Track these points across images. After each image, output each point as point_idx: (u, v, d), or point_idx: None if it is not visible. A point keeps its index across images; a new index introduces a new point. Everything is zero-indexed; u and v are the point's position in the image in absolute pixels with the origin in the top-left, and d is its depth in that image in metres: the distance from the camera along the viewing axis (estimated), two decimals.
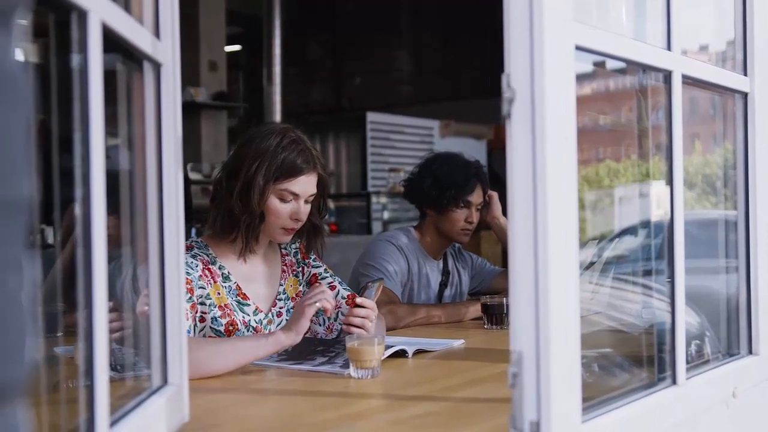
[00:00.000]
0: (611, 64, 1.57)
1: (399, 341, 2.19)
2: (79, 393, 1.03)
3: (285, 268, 2.37)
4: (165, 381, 1.36)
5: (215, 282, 2.18)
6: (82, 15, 0.98)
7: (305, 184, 2.20)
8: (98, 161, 1.00)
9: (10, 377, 0.58)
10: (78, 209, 0.99)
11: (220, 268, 2.22)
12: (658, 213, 2.02)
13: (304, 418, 1.56)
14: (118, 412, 1.14)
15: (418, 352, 2.18)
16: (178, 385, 1.38)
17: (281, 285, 2.34)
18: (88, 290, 1.00)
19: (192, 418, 1.42)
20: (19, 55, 0.61)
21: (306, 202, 2.22)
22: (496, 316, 2.65)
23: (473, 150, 6.94)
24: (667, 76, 1.53)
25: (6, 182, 0.56)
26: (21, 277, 0.58)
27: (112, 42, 1.09)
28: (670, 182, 1.54)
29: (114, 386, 1.07)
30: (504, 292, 2.99)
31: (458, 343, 2.35)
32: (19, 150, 0.57)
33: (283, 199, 2.19)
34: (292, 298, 2.34)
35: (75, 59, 1.00)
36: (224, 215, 2.20)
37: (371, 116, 8.30)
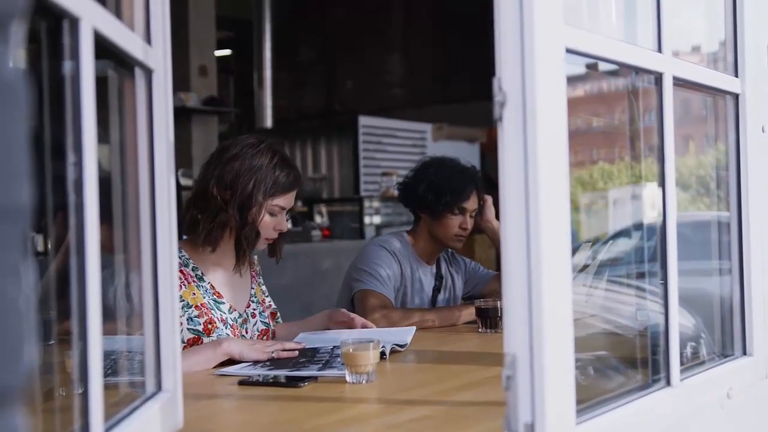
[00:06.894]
0: (603, 66, 1.58)
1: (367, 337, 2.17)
2: (70, 401, 1.03)
3: (254, 274, 2.49)
4: (159, 387, 1.36)
5: (189, 283, 2.26)
6: (74, 22, 0.98)
7: (292, 199, 2.35)
8: (91, 168, 1.00)
9: (9, 382, 0.59)
10: (71, 216, 0.99)
11: (193, 270, 2.29)
12: (651, 215, 2.03)
13: (300, 423, 1.56)
14: (112, 419, 1.13)
15: (394, 351, 2.21)
16: (172, 391, 1.37)
17: (252, 289, 2.46)
18: (82, 297, 0.99)
19: (186, 424, 1.42)
20: (17, 63, 0.62)
21: (287, 213, 2.35)
22: (490, 319, 2.66)
23: (466, 153, 6.93)
24: (658, 78, 1.53)
25: (7, 189, 0.56)
26: (20, 283, 0.59)
27: (103, 48, 1.09)
28: (662, 184, 1.54)
29: (106, 393, 1.06)
30: (498, 295, 2.99)
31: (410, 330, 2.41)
32: (19, 157, 0.57)
33: (272, 214, 2.30)
34: (261, 302, 2.47)
35: (67, 66, 1.00)
36: (218, 227, 2.26)
37: (363, 120, 8.28)
